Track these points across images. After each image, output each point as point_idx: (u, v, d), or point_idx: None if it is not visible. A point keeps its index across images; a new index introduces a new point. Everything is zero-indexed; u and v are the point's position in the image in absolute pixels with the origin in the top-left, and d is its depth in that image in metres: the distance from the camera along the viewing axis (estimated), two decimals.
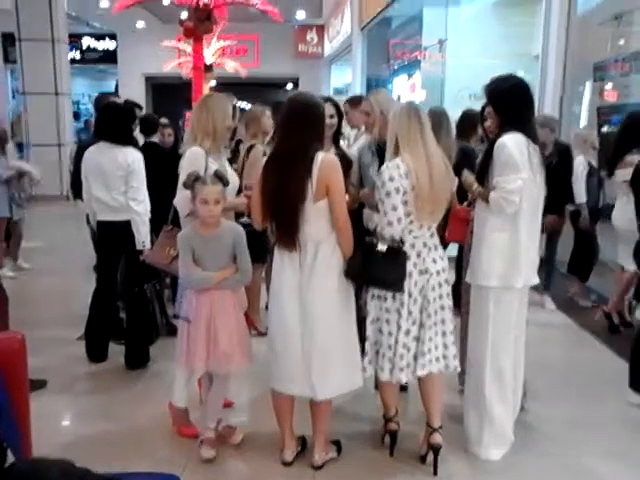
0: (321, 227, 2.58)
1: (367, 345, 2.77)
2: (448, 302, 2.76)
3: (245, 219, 3.46)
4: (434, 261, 2.71)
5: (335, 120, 3.52)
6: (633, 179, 3.60)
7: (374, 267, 2.62)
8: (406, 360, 2.69)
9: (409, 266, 2.65)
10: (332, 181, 2.55)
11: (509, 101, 2.84)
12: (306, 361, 2.63)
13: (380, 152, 3.33)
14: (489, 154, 2.80)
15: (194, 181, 2.73)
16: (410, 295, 2.66)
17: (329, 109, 3.46)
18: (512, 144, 2.71)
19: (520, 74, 2.97)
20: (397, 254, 2.63)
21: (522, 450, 2.95)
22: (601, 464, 2.91)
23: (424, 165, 2.61)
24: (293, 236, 2.57)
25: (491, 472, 2.82)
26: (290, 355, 2.65)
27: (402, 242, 2.65)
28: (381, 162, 3.31)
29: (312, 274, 2.59)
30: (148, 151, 4.02)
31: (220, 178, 2.77)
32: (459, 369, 2.84)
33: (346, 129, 4.12)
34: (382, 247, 2.61)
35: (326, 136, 3.44)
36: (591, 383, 3.79)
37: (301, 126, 2.57)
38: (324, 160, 2.54)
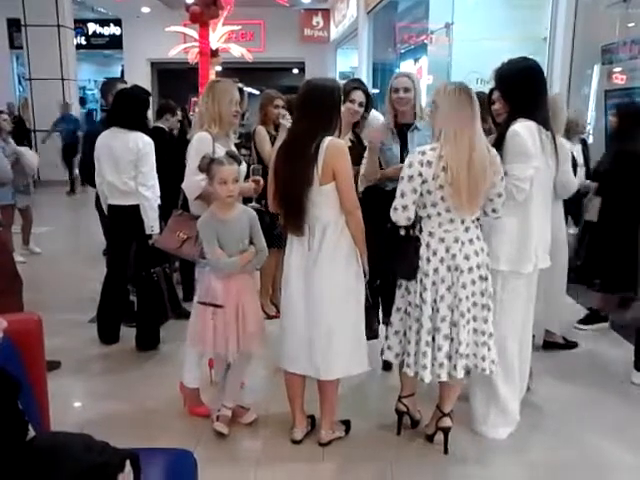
0: (329, 210, 2.61)
1: (389, 330, 2.78)
2: (482, 300, 2.66)
3: (253, 204, 3.49)
4: (466, 258, 2.59)
5: (362, 109, 3.52)
6: None
7: (389, 252, 2.62)
8: (430, 359, 2.62)
9: (434, 262, 2.58)
10: (338, 165, 2.57)
11: (518, 88, 2.80)
12: (310, 342, 2.69)
13: (402, 133, 3.35)
14: (500, 141, 2.78)
15: (209, 163, 2.77)
16: (437, 292, 2.60)
17: (359, 96, 3.50)
18: (524, 132, 2.70)
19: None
20: (410, 241, 2.59)
21: (528, 429, 3.01)
22: (605, 442, 2.96)
23: (465, 155, 2.48)
24: (299, 219, 2.61)
25: (498, 450, 2.88)
26: (296, 336, 2.72)
27: (419, 230, 2.60)
28: (403, 143, 3.33)
29: (318, 257, 2.63)
30: (154, 136, 4.04)
31: (234, 157, 2.82)
32: (488, 372, 2.72)
33: None
34: (402, 231, 2.60)
35: (348, 122, 3.46)
36: (597, 365, 3.84)
37: (313, 111, 2.61)
38: (330, 144, 2.56)
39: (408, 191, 2.54)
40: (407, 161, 2.57)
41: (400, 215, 2.57)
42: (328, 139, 2.57)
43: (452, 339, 2.63)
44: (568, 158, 3.62)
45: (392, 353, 2.80)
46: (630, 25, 5.83)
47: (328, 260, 2.63)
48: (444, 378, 2.66)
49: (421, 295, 2.61)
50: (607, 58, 6.03)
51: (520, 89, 2.80)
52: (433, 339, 2.63)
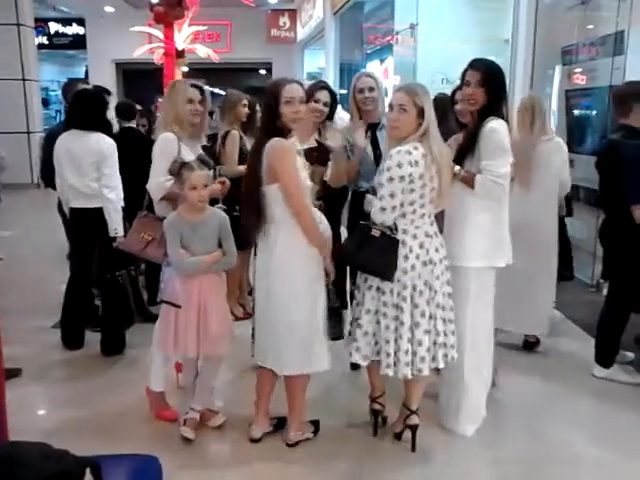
0: (278, 210, 2.62)
1: (358, 332, 2.72)
2: (449, 289, 2.72)
3: (220, 205, 3.46)
4: (437, 250, 2.65)
5: (327, 109, 3.49)
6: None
7: (365, 252, 2.59)
8: (411, 355, 2.62)
9: (411, 259, 2.59)
10: (278, 167, 2.56)
11: (500, 85, 2.84)
12: (272, 337, 2.71)
13: (372, 133, 3.34)
14: (471, 138, 2.80)
15: (180, 168, 2.76)
16: (414, 288, 2.60)
17: (324, 96, 3.46)
18: (502, 129, 2.74)
19: (491, 58, 2.99)
20: (390, 241, 2.58)
21: (495, 425, 3.05)
22: (569, 434, 3.03)
23: (444, 151, 2.64)
24: (256, 218, 2.66)
25: (466, 446, 2.90)
26: (262, 331, 2.77)
27: (396, 229, 2.60)
28: (373, 143, 3.33)
29: (273, 255, 2.65)
30: (125, 136, 3.98)
31: (205, 162, 2.83)
32: (456, 359, 2.74)
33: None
34: (376, 232, 2.58)
35: (314, 122, 3.45)
36: (560, 359, 3.92)
37: (263, 110, 2.74)
38: (269, 145, 2.57)
39: (398, 192, 2.53)
40: (394, 161, 2.53)
41: (389, 216, 2.57)
42: (272, 140, 2.57)
43: (429, 331, 2.65)
44: (566, 158, 3.75)
45: (360, 355, 2.75)
46: (589, 27, 5.96)
47: (282, 259, 2.64)
48: (426, 372, 2.66)
49: (399, 294, 2.61)
50: (567, 59, 6.17)
51: (501, 86, 2.85)
52: (412, 335, 2.63)
